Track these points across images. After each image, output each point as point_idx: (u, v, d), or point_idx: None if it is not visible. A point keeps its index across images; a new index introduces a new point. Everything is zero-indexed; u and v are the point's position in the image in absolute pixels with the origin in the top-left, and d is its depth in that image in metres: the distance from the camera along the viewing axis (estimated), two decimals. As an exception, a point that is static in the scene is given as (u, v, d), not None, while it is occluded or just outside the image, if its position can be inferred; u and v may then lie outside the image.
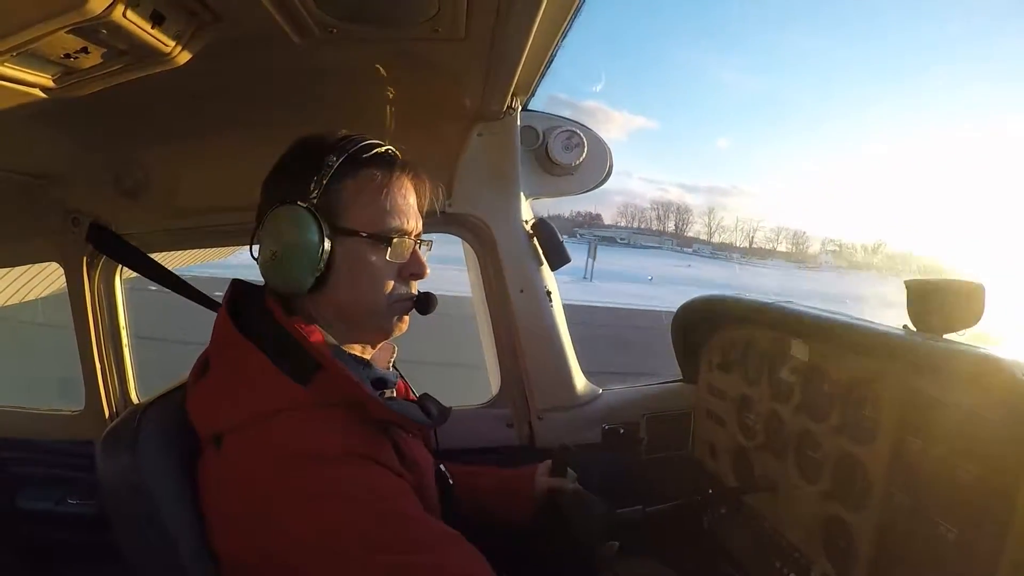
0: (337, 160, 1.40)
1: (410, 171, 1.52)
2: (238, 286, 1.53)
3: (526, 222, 2.51)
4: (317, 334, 1.40)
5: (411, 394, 1.77)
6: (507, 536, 1.93)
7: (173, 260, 2.88)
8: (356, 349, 1.52)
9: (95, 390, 2.60)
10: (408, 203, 1.52)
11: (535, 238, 2.50)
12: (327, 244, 1.38)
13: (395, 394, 1.64)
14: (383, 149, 1.48)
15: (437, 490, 1.67)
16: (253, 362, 1.35)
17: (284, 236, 1.37)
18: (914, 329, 1.59)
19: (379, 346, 1.61)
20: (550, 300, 2.53)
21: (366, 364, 1.53)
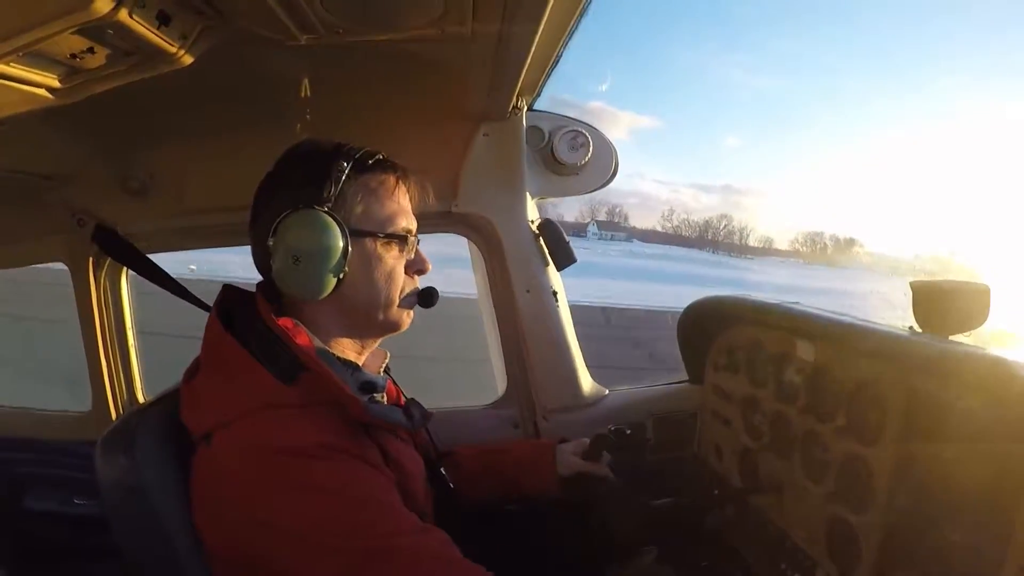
0: (348, 166, 1.44)
1: (407, 175, 1.57)
2: (229, 291, 1.57)
3: (532, 222, 2.50)
4: (304, 336, 1.43)
5: (402, 398, 1.79)
6: (521, 533, 1.95)
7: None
8: (351, 353, 1.57)
9: (101, 390, 2.61)
10: (409, 205, 1.58)
11: (541, 238, 2.50)
12: (349, 247, 1.42)
13: (384, 398, 1.68)
14: (383, 155, 1.53)
15: (432, 493, 1.73)
16: (240, 361, 1.39)
17: (306, 241, 1.40)
18: (920, 331, 1.59)
19: (372, 351, 1.65)
20: (556, 300, 2.53)
21: (355, 368, 1.56)
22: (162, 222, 2.49)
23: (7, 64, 1.24)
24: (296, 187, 1.43)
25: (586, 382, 2.60)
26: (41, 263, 2.66)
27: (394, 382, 1.82)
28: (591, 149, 2.53)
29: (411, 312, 1.60)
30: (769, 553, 1.90)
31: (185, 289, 2.41)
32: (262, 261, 1.49)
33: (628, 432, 2.01)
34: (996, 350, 1.39)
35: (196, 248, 2.67)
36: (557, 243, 2.50)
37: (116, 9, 1.13)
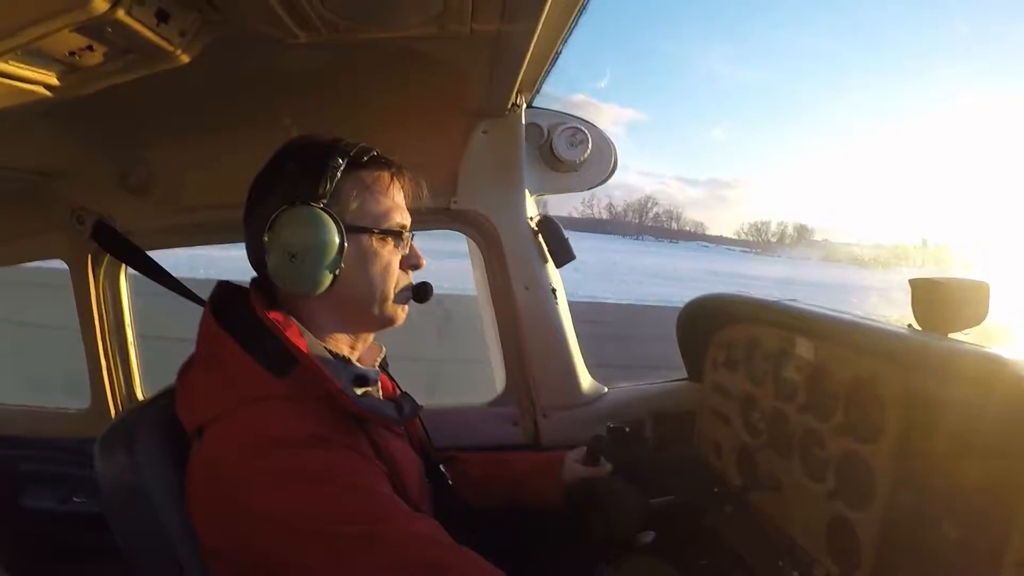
0: (343, 162, 1.44)
1: (401, 171, 1.57)
2: (223, 286, 1.58)
3: (531, 219, 2.50)
4: (294, 329, 1.43)
5: (398, 393, 1.79)
6: (519, 533, 1.95)
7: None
8: (344, 348, 1.57)
9: (100, 388, 2.61)
10: (403, 200, 1.58)
11: (540, 235, 2.50)
12: (345, 243, 1.43)
13: (379, 391, 1.68)
14: (377, 152, 1.53)
15: (430, 489, 1.74)
16: (231, 355, 1.39)
17: (303, 238, 1.39)
18: (919, 328, 1.59)
19: (368, 346, 1.66)
20: (555, 297, 2.52)
21: (346, 362, 1.55)
22: (161, 219, 2.48)
23: (5, 62, 1.24)
24: (292, 183, 1.43)
25: (585, 380, 2.60)
26: (40, 260, 2.65)
27: (390, 377, 1.82)
28: (590, 146, 2.53)
29: (406, 307, 1.60)
30: (768, 551, 1.91)
31: (183, 286, 2.40)
32: (257, 256, 1.48)
33: (626, 430, 2.01)
34: (994, 347, 1.40)
35: (195, 245, 2.67)
36: (556, 240, 2.50)
37: (114, 7, 1.13)
